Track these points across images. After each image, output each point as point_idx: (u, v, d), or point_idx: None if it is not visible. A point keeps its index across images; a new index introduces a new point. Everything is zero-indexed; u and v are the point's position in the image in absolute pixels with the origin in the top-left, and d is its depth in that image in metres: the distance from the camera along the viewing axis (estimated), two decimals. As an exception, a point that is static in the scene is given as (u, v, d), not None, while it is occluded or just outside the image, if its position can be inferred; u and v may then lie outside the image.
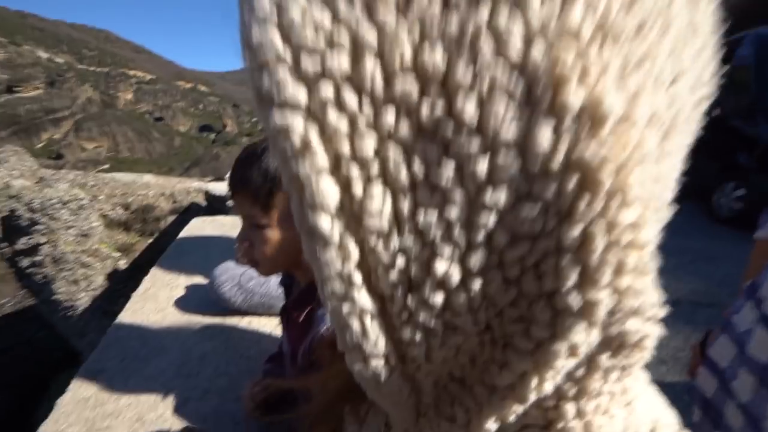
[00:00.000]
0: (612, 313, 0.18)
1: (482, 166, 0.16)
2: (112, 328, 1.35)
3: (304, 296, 0.82)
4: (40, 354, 3.98)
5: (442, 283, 0.19)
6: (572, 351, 0.19)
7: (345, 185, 0.18)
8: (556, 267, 0.17)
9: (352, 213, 0.18)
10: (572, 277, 0.17)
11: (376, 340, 0.20)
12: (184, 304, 1.48)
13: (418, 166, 0.17)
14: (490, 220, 0.17)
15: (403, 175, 0.17)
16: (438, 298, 0.19)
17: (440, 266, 0.18)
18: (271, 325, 1.37)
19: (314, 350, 0.77)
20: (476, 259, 0.18)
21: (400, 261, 0.19)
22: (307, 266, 0.84)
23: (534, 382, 0.20)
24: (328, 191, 0.18)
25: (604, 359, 0.20)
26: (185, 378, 1.12)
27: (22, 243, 2.82)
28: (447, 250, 0.18)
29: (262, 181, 0.73)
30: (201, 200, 3.64)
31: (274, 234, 0.76)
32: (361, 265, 0.19)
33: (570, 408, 0.22)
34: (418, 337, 0.20)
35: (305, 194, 0.18)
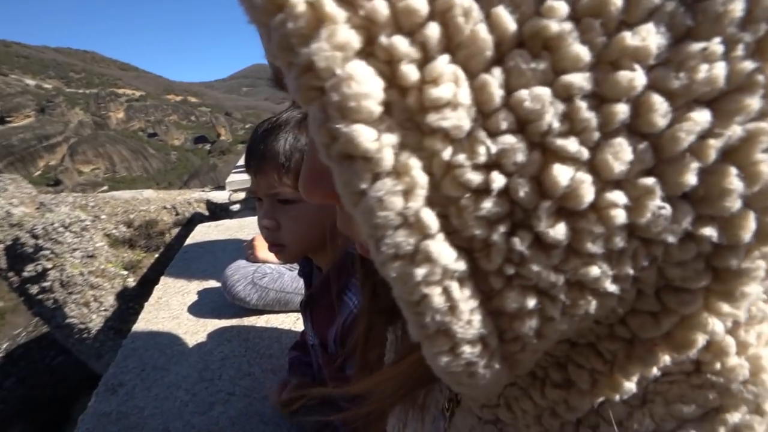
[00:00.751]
0: None
1: None
2: (127, 340, 1.31)
3: (327, 282, 0.78)
4: (59, 380, 3.97)
5: (562, 208, 0.12)
6: None
7: (388, 71, 0.12)
8: None
9: (406, 115, 0.12)
10: None
11: (470, 316, 0.14)
12: (198, 309, 1.44)
13: (505, 16, 0.11)
14: (637, 76, 0.11)
15: (484, 34, 0.11)
16: (559, 232, 0.12)
17: (561, 174, 0.12)
18: (289, 322, 1.33)
19: (345, 335, 0.73)
20: (616, 155, 0.12)
21: (497, 179, 0.12)
22: (335, 243, 0.80)
23: (707, 322, 0.14)
24: (364, 82, 0.11)
25: None
26: (208, 382, 1.08)
27: (29, 270, 2.79)
28: (570, 144, 0.12)
29: (290, 149, 0.68)
30: (203, 210, 3.60)
31: (306, 208, 0.71)
32: (433, 199, 0.13)
33: (729, 343, 0.16)
34: (530, 303, 0.13)
35: (328, 97, 0.12)
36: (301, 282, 1.39)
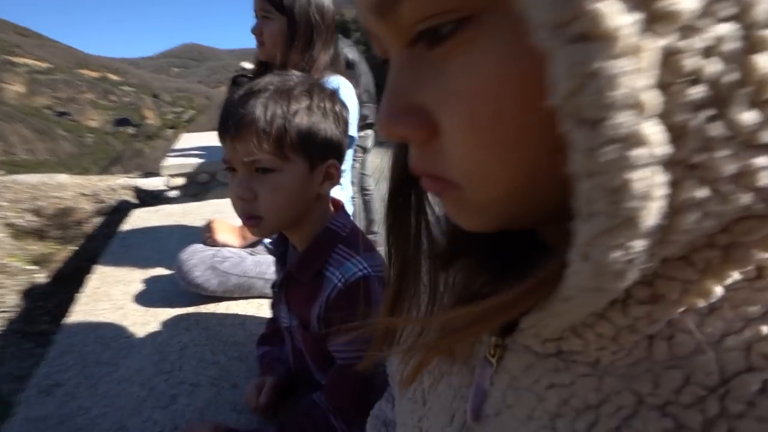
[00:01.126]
0: None
1: None
2: (60, 336, 1.15)
3: (307, 258, 0.75)
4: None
5: (756, 96, 0.13)
6: None
7: None
8: None
9: None
10: None
11: (657, 203, 0.14)
12: (146, 298, 1.30)
13: None
14: None
15: None
16: (750, 119, 0.13)
17: (764, 62, 0.13)
18: (251, 308, 1.26)
19: (330, 311, 0.71)
20: None
21: (710, 65, 0.13)
22: (311, 221, 0.78)
23: None
24: None
25: None
26: (167, 374, 0.99)
27: None
28: None
29: (271, 115, 0.64)
30: (131, 197, 3.25)
31: (286, 178, 0.67)
32: (655, 82, 0.13)
33: None
34: (700, 194, 0.14)
35: None
36: (263, 266, 1.32)
